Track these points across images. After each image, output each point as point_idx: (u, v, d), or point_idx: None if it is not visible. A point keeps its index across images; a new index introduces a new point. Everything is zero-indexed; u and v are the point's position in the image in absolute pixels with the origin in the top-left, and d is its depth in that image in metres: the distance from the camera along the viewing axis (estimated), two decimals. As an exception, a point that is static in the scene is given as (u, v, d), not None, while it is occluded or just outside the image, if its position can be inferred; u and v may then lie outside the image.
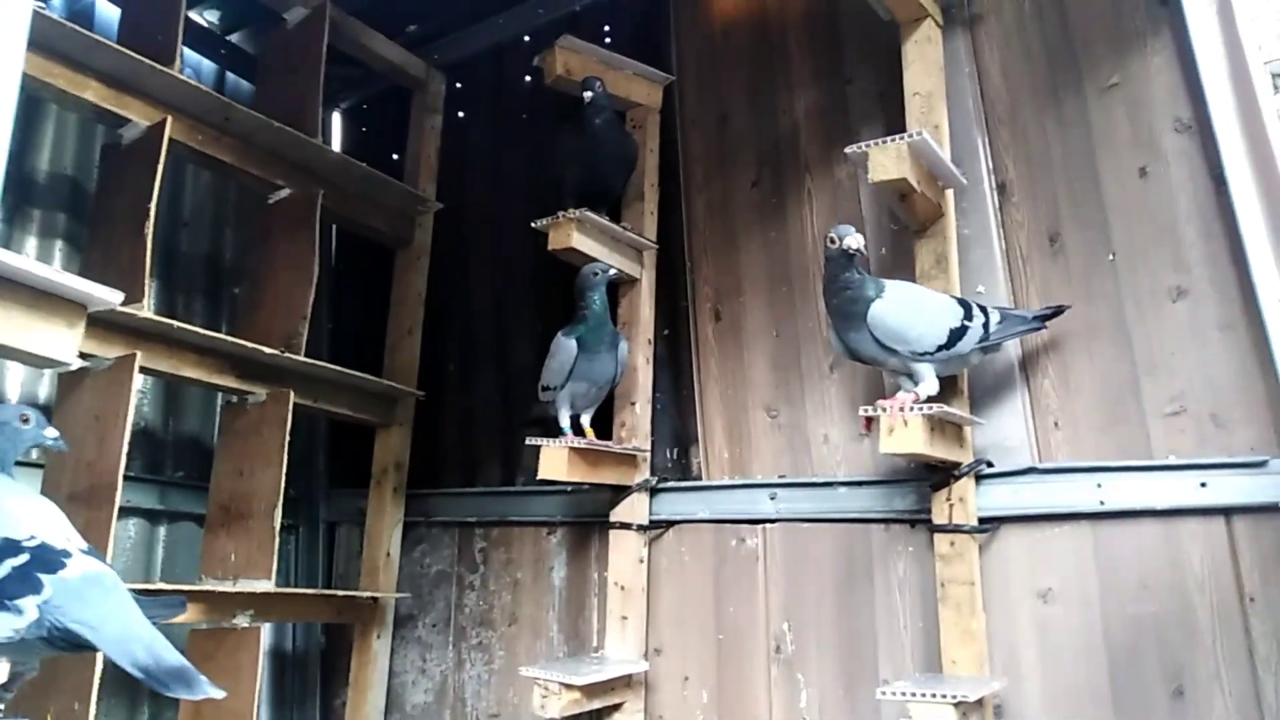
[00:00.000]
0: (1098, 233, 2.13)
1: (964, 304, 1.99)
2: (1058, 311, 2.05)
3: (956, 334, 1.93)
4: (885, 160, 1.95)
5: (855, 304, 1.94)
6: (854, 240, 1.91)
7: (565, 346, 2.44)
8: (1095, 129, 2.18)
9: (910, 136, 1.95)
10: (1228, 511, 1.87)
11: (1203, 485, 1.88)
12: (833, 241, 1.93)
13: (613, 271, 2.48)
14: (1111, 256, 2.10)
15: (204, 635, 2.61)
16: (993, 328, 1.97)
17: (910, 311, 1.94)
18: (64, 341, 1.61)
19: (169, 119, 2.49)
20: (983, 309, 1.99)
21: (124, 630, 1.34)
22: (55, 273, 1.57)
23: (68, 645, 1.35)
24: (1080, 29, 2.24)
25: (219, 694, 1.28)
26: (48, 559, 1.38)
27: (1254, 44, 1.88)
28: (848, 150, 2.02)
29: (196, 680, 1.29)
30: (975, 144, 2.31)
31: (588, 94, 2.52)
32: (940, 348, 1.92)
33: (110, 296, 1.64)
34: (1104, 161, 2.15)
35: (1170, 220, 2.04)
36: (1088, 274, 2.13)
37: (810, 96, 2.66)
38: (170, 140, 2.50)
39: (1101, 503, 1.98)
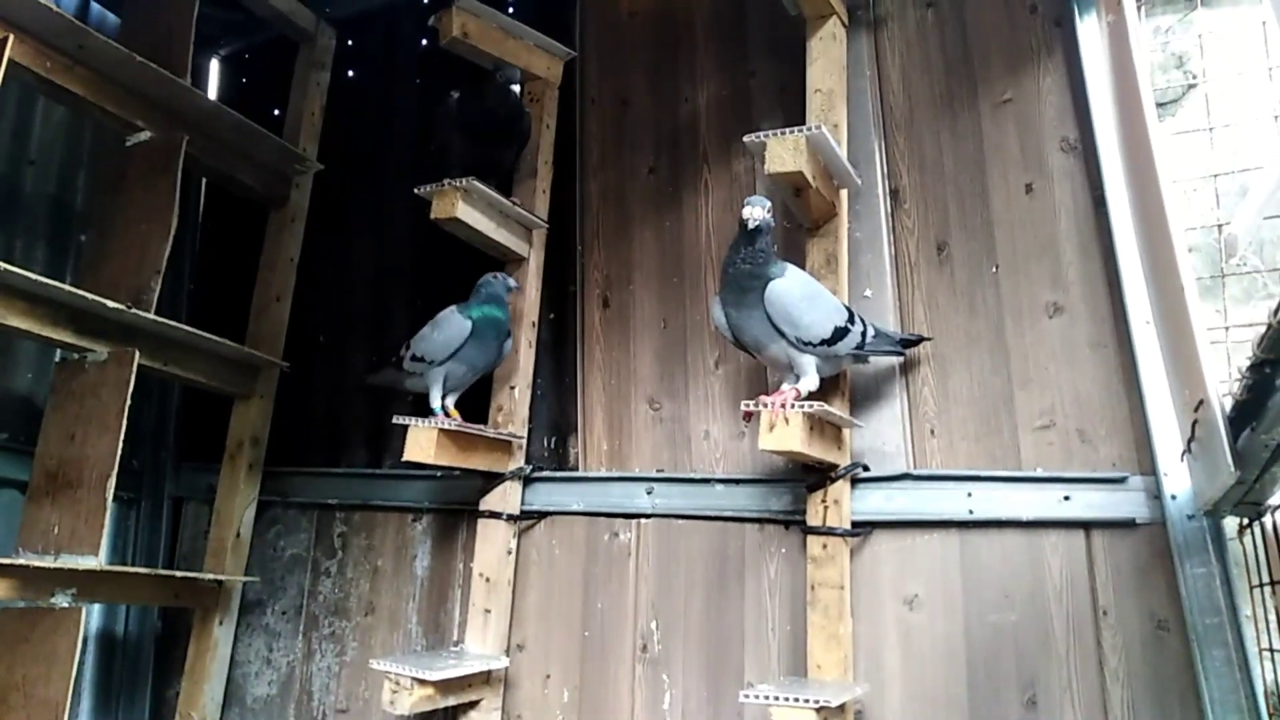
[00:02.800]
0: (983, 245, 2.16)
1: (849, 310, 1.98)
2: (919, 340, 2.10)
3: (839, 333, 1.91)
4: (783, 152, 1.91)
5: (754, 279, 1.89)
6: (754, 213, 1.87)
7: (458, 323, 2.33)
8: (987, 142, 2.21)
9: (809, 130, 1.91)
10: (1088, 525, 1.91)
11: (1066, 498, 1.92)
12: (743, 208, 1.89)
13: (513, 284, 2.43)
14: (995, 269, 2.13)
15: (17, 615, 2.35)
16: (868, 339, 1.98)
17: (807, 297, 1.92)
18: None
19: (11, 38, 2.24)
20: (862, 320, 1.99)
21: None
22: None
23: None
24: (978, 43, 2.27)
25: None
26: None
27: (1144, 70, 1.92)
28: (746, 139, 1.97)
29: None
30: (872, 148, 2.31)
31: (514, 86, 2.44)
32: (824, 341, 1.90)
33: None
34: (993, 175, 2.18)
35: (1051, 237, 2.08)
36: (971, 285, 2.15)
37: (713, 86, 2.61)
38: (11, 63, 2.26)
39: (971, 511, 1.99)
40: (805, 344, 1.89)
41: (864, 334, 1.96)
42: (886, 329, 2.10)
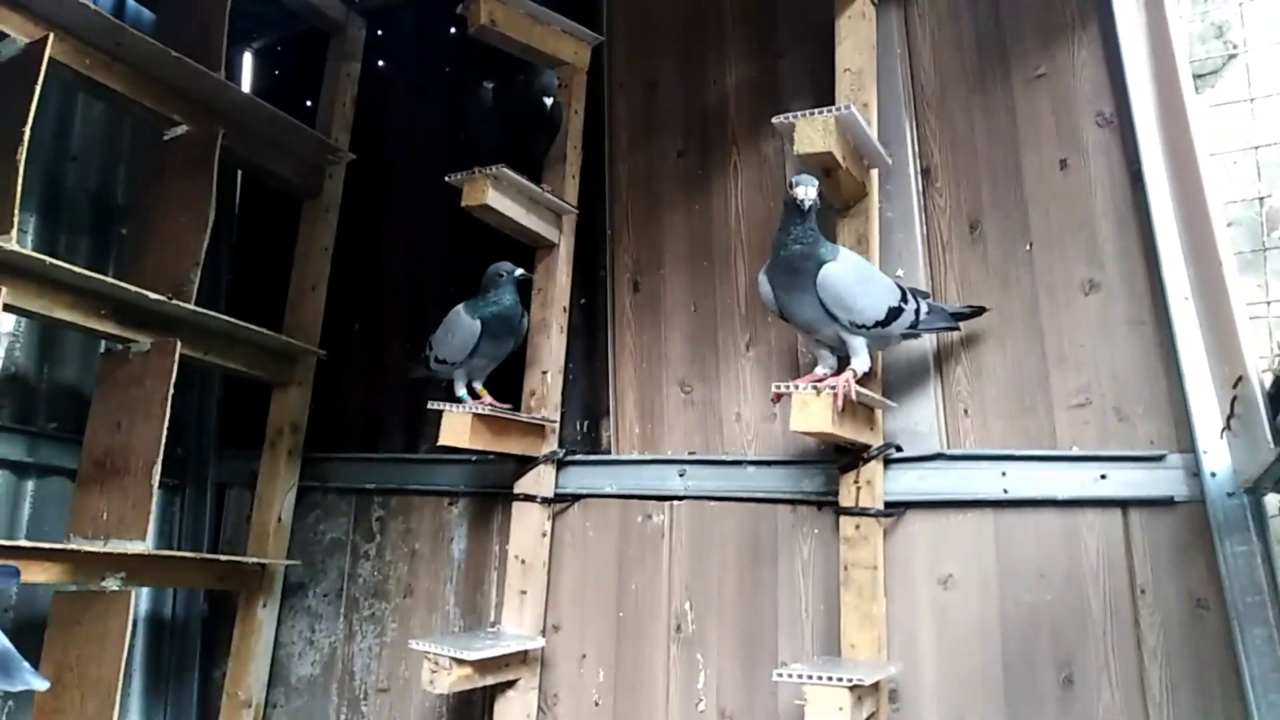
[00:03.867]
0: (1016, 222, 2.13)
1: (901, 289, 1.96)
2: (977, 311, 2.05)
3: (894, 313, 1.90)
4: (812, 133, 1.91)
5: (806, 260, 1.84)
6: (808, 192, 1.80)
7: (468, 326, 2.38)
8: (1020, 119, 2.18)
9: (838, 110, 1.90)
10: (1124, 504, 1.89)
11: (1102, 477, 1.90)
12: (790, 187, 1.83)
13: (519, 273, 2.41)
14: (1029, 247, 2.11)
15: (69, 598, 2.42)
16: (922, 316, 1.96)
17: (860, 280, 1.89)
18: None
19: (51, 36, 2.28)
20: (915, 297, 1.96)
21: None
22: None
23: None
24: (1010, 18, 2.23)
25: (42, 685, 1.15)
26: None
27: (1181, 43, 1.89)
28: (775, 120, 1.97)
29: (18, 669, 1.16)
30: (902, 126, 2.29)
31: (548, 99, 2.41)
32: (878, 323, 1.88)
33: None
34: (1026, 152, 2.15)
35: (1087, 214, 2.05)
36: (1005, 263, 2.13)
37: (741, 69, 2.60)
38: (52, 61, 2.30)
39: (1005, 491, 1.98)
40: (859, 327, 1.88)
41: (918, 311, 1.94)
42: (940, 304, 2.08)
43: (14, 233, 2.16)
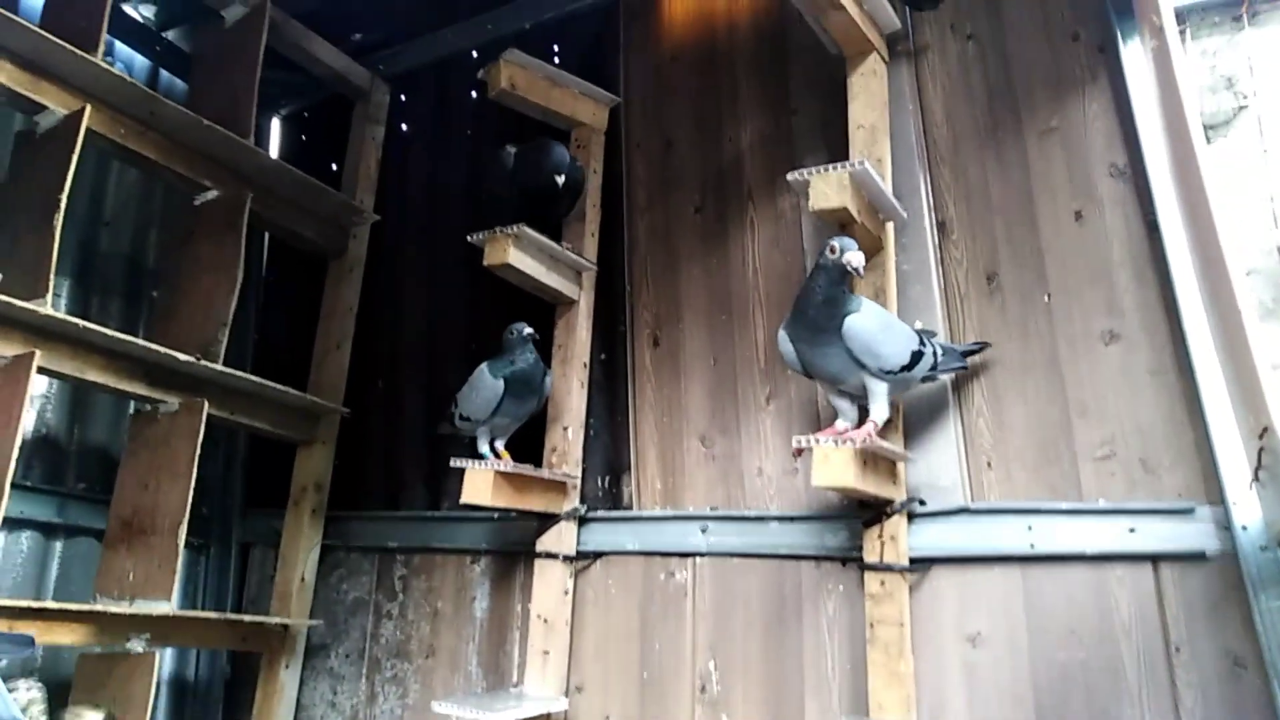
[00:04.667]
0: (1034, 273, 2.13)
1: (919, 334, 2.00)
2: (981, 346, 2.09)
3: (916, 357, 1.92)
4: (827, 188, 1.93)
5: (832, 318, 1.87)
6: (856, 258, 1.81)
7: (491, 385, 2.40)
8: (1034, 171, 2.19)
9: (852, 165, 1.93)
10: (1155, 558, 1.85)
11: (1131, 530, 1.87)
12: (833, 251, 1.83)
13: (528, 332, 2.42)
14: (1047, 298, 2.10)
15: (94, 660, 2.44)
16: (939, 359, 1.98)
17: (884, 327, 1.92)
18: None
19: (88, 108, 2.38)
20: (930, 341, 1.99)
21: None
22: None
23: None
24: (1021, 72, 2.26)
25: None
26: None
27: (1190, 94, 1.90)
28: (790, 176, 2.00)
29: None
30: (917, 180, 2.31)
31: (559, 176, 2.48)
32: (903, 368, 1.90)
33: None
34: (1041, 203, 2.16)
35: (1104, 264, 2.05)
36: (1024, 314, 2.12)
37: (756, 125, 2.64)
38: (89, 131, 2.40)
39: (1032, 545, 1.95)
40: (886, 373, 1.89)
41: (936, 354, 1.98)
42: (951, 345, 2.10)
43: (49, 297, 2.22)
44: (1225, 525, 1.77)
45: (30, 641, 1.50)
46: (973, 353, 2.10)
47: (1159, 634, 1.82)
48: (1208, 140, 2.05)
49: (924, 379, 2.02)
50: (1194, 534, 1.81)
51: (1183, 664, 1.78)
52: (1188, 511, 1.83)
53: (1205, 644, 1.78)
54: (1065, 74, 2.19)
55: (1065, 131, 2.16)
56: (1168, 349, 1.94)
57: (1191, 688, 1.77)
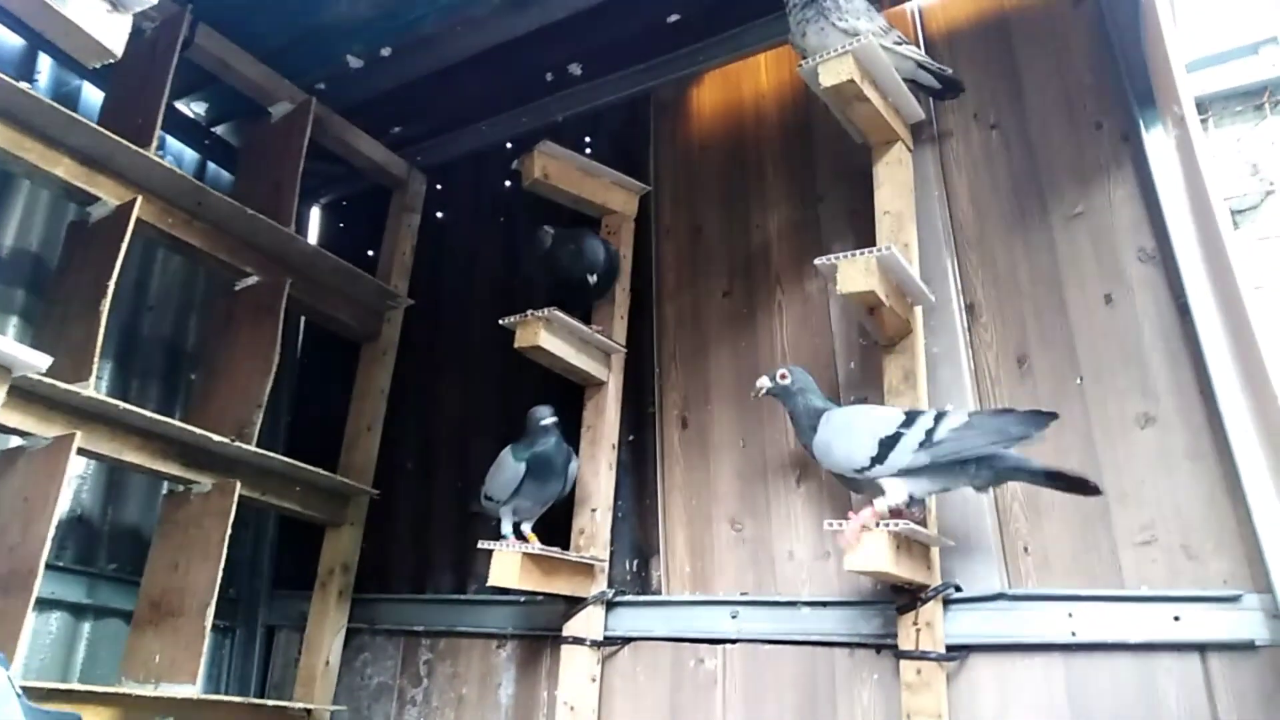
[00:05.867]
0: (1065, 356, 2.13)
1: (910, 414, 1.88)
2: (1049, 416, 1.78)
3: (887, 443, 1.84)
4: (854, 273, 1.96)
5: (803, 433, 2.05)
6: (762, 381, 2.11)
7: (512, 467, 2.43)
8: (1061, 255, 2.21)
9: (879, 251, 1.96)
10: (1202, 648, 1.79)
11: (1176, 619, 1.82)
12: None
13: (548, 421, 2.45)
14: (1079, 380, 2.09)
15: (117, 744, 2.41)
16: (940, 433, 1.79)
17: (837, 435, 1.96)
18: (-19, 406, 1.52)
19: (139, 199, 2.48)
20: (939, 414, 1.85)
21: None
22: (-22, 334, 1.50)
23: None
24: (1045, 160, 2.30)
25: None
26: None
27: (1214, 180, 1.93)
28: (817, 262, 2.03)
29: None
30: (944, 264, 2.34)
31: (592, 276, 2.60)
32: (873, 460, 1.85)
33: (35, 360, 1.57)
34: (1070, 287, 2.17)
35: (1136, 347, 2.05)
36: (1056, 397, 2.11)
37: (783, 212, 2.70)
38: (139, 221, 2.48)
39: (1073, 633, 1.90)
40: (860, 471, 1.88)
41: (931, 429, 1.81)
42: (1004, 418, 1.81)
43: (92, 380, 2.27)
44: (1275, 613, 1.72)
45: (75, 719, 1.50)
46: (1042, 418, 1.78)
47: (1211, 729, 1.74)
48: (1235, 224, 2.07)
49: (980, 483, 1.84)
50: (1242, 622, 1.76)
51: (1238, 761, 1.71)
52: (1234, 599, 1.78)
53: (1261, 740, 1.70)
54: (1090, 161, 2.23)
55: (1092, 216, 2.19)
56: (1205, 432, 1.91)
57: (1248, 788, 1.69)
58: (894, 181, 2.30)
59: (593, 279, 2.57)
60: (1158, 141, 2.11)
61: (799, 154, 2.72)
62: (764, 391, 2.10)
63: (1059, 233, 2.22)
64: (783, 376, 2.08)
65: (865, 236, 2.33)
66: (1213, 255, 1.92)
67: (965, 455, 1.79)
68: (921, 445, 1.81)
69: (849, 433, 1.93)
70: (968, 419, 1.82)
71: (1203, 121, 2.13)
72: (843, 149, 2.51)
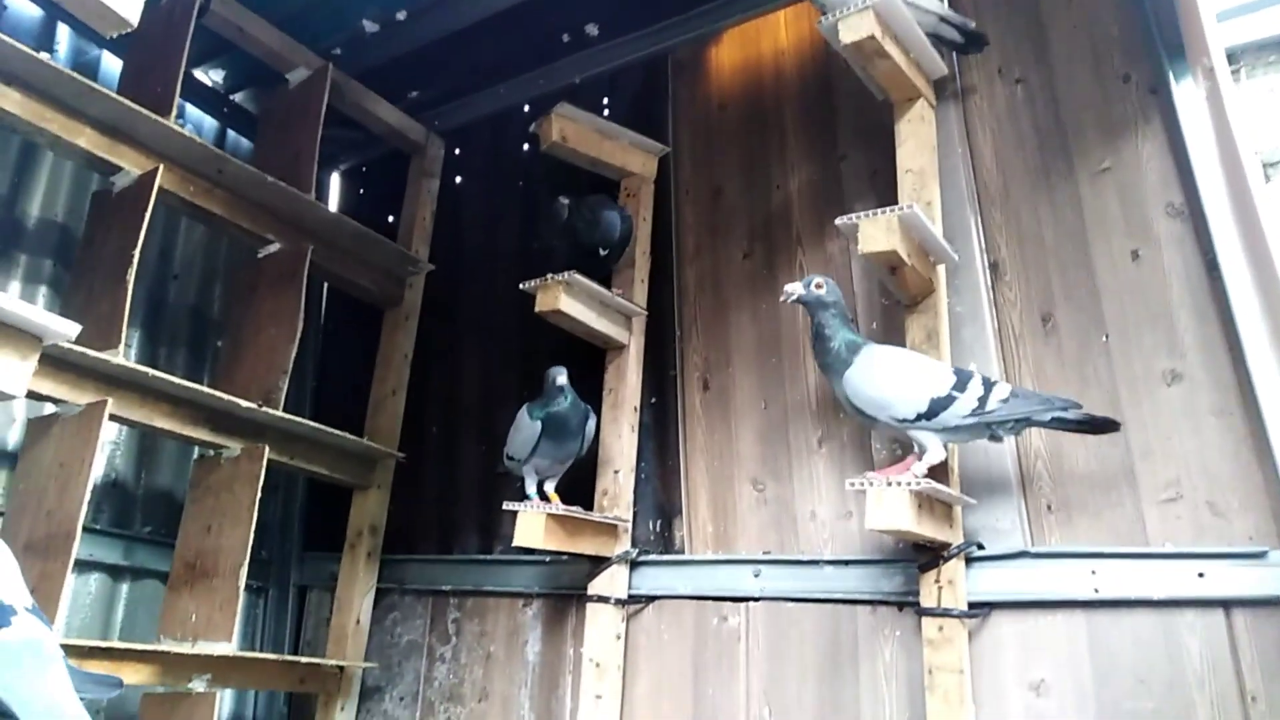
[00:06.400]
0: (1090, 314, 2.11)
1: (961, 374, 1.91)
2: (1110, 424, 1.85)
3: (940, 403, 1.86)
4: (875, 232, 1.94)
5: (828, 355, 1.95)
6: (794, 286, 1.97)
7: (529, 426, 2.45)
8: (1087, 212, 2.18)
9: (901, 209, 1.94)
10: (1227, 604, 1.79)
11: (1200, 575, 1.81)
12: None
13: (561, 381, 2.43)
14: (1105, 338, 2.08)
15: (157, 700, 2.49)
16: (992, 402, 1.85)
17: (885, 376, 1.90)
18: (15, 373, 1.56)
19: (161, 168, 2.49)
20: (987, 382, 1.88)
21: (50, 709, 1.26)
22: (8, 301, 1.52)
23: None
24: (1071, 114, 2.26)
25: None
26: None
27: (1245, 133, 1.89)
28: (838, 221, 2.02)
29: None
30: (968, 222, 2.31)
31: (604, 250, 2.58)
32: (920, 415, 1.86)
33: (65, 329, 1.59)
34: (1096, 244, 2.14)
35: (1163, 304, 2.02)
36: (1081, 355, 2.10)
37: (804, 172, 2.67)
38: (161, 190, 2.50)
39: (1096, 590, 1.90)
40: (902, 421, 1.87)
41: (983, 397, 1.85)
42: (1047, 394, 1.93)
43: (121, 347, 2.31)
44: (1300, 569, 1.72)
45: (119, 683, 1.54)
46: (1101, 426, 1.86)
47: (1234, 683, 1.75)
48: (1267, 177, 2.03)
49: (995, 426, 1.89)
50: (1268, 579, 1.76)
51: (1260, 714, 1.72)
52: (1260, 555, 1.77)
53: (1284, 694, 1.71)
54: (1117, 115, 2.19)
55: (1119, 172, 2.15)
56: (1232, 389, 1.90)
57: (1271, 740, 1.70)
58: (916, 139, 2.28)
59: (605, 252, 2.57)
60: (1187, 94, 2.06)
61: (820, 112, 2.69)
62: (794, 298, 1.96)
63: (1085, 189, 2.19)
64: (818, 286, 1.96)
65: (888, 195, 2.31)
66: (1242, 210, 1.89)
67: (1010, 420, 1.87)
68: (974, 411, 1.85)
69: (899, 379, 1.90)
70: (1010, 391, 1.88)
71: (1234, 73, 2.09)
72: (864, 106, 2.47)
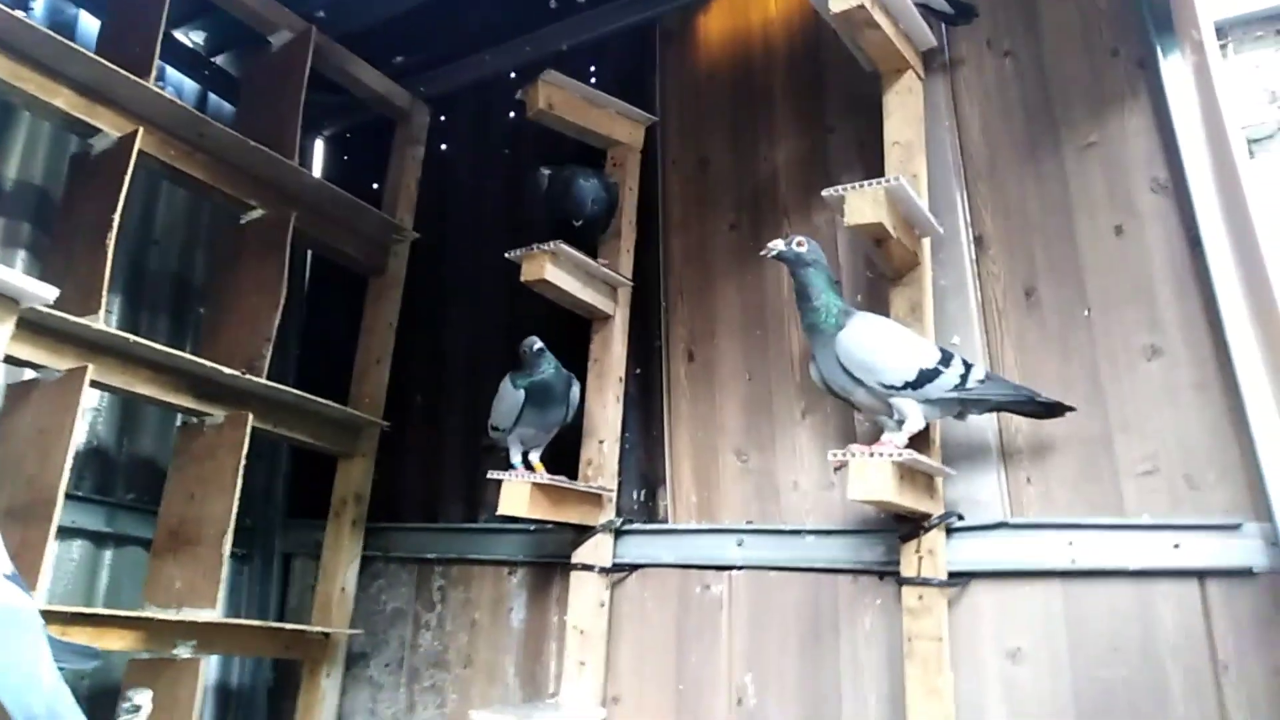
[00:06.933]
0: (1073, 289, 2.12)
1: (945, 352, 1.95)
2: (1060, 408, 1.93)
3: (927, 375, 1.89)
4: (862, 204, 1.94)
5: (814, 315, 1.95)
6: (776, 243, 1.96)
7: (512, 395, 2.45)
8: (1072, 186, 2.18)
9: (887, 182, 1.94)
10: (1201, 574, 1.83)
11: (1176, 546, 1.85)
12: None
13: (538, 346, 2.44)
14: (1087, 313, 2.09)
15: (143, 665, 2.49)
16: (971, 380, 1.91)
17: (880, 341, 1.92)
18: (-9, 337, 1.54)
19: (140, 131, 2.45)
20: (966, 363, 1.94)
21: (26, 679, 1.26)
22: (-17, 264, 1.50)
23: None
24: (1059, 88, 2.26)
25: None
26: None
27: (1231, 108, 1.89)
28: (825, 193, 2.01)
29: None
30: (953, 196, 2.31)
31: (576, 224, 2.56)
32: (907, 384, 1.88)
33: (42, 292, 1.58)
34: (1080, 218, 2.15)
35: (1145, 279, 2.04)
36: (1063, 329, 2.11)
37: (791, 144, 2.66)
38: (140, 153, 2.47)
39: (1073, 560, 1.94)
40: (889, 388, 1.89)
41: (964, 376, 1.90)
42: (1012, 380, 2.03)
43: (101, 313, 2.29)
44: (1274, 541, 1.75)
45: (95, 654, 1.54)
46: (1052, 410, 1.94)
47: (1206, 652, 1.79)
48: (1250, 154, 2.04)
49: (966, 404, 1.95)
50: (1241, 550, 1.79)
51: (1231, 683, 1.76)
52: (1234, 527, 1.81)
53: (1255, 663, 1.75)
54: (1104, 89, 2.19)
55: (1105, 146, 2.16)
56: (1211, 364, 1.92)
57: (1240, 708, 1.74)
58: (904, 111, 2.27)
59: (578, 224, 2.55)
60: (1175, 69, 2.06)
61: (808, 83, 2.67)
62: (774, 253, 1.97)
63: (1071, 163, 2.19)
64: (799, 244, 1.96)
65: (874, 168, 2.31)
66: (1226, 185, 1.90)
67: (981, 401, 1.94)
68: (955, 388, 1.90)
69: (892, 346, 1.93)
70: (985, 374, 1.94)
71: (1221, 48, 2.09)
72: (852, 78, 2.46)
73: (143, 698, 2.17)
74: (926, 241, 2.20)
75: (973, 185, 2.32)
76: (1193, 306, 1.97)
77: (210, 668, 3.12)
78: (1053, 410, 1.95)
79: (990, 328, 2.21)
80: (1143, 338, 2.01)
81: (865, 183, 1.96)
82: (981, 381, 1.92)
